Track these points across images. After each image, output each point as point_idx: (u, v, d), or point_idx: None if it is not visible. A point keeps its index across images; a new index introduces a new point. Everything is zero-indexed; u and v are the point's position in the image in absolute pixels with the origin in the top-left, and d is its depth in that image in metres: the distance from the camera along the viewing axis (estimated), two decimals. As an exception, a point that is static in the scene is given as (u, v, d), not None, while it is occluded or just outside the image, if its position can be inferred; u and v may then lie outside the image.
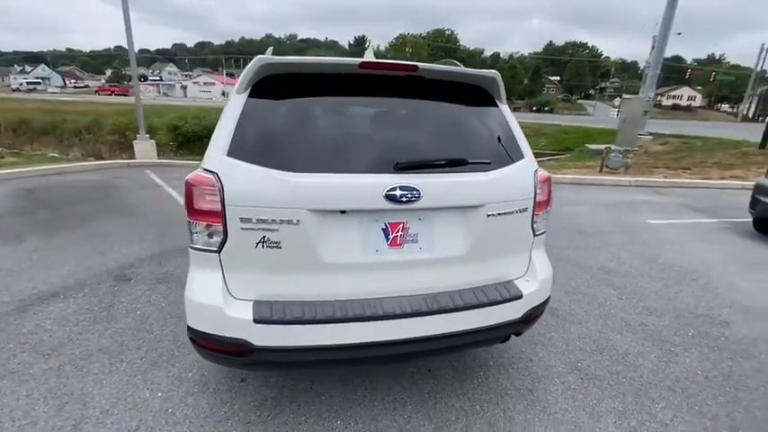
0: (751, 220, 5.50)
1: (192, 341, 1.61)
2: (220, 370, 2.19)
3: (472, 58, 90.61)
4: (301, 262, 1.52)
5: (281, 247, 1.49)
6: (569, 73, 75.06)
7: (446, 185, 1.58)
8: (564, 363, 2.39)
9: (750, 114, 48.66)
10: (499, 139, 1.78)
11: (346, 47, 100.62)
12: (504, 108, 1.88)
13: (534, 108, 60.07)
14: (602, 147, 12.96)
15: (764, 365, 2.44)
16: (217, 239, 1.50)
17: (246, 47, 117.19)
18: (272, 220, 1.46)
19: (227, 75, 71.66)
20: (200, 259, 1.56)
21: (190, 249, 1.58)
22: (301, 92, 1.64)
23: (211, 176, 1.48)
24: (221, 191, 1.46)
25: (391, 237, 1.57)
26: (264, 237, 1.47)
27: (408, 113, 1.75)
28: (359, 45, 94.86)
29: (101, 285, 3.17)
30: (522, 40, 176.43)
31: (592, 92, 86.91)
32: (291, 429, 1.82)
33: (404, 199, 1.49)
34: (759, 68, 43.83)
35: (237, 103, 1.58)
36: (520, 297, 1.73)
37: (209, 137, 1.60)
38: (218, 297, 1.50)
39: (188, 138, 14.69)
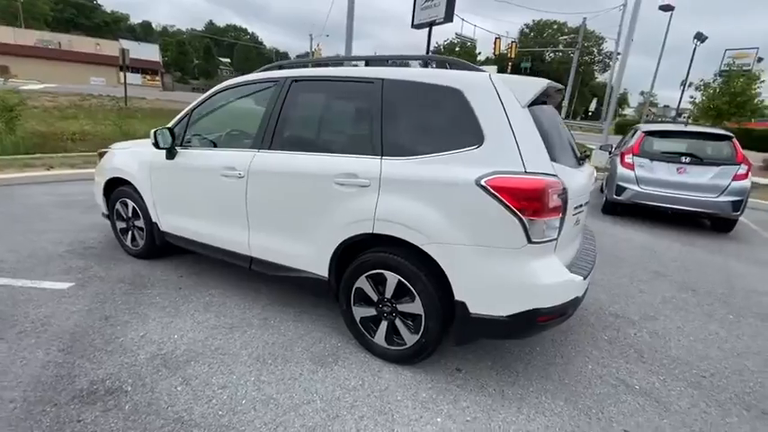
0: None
1: (538, 322, 1.87)
2: (425, 381, 2.22)
3: (116, 24, 74.63)
4: (574, 230, 2.13)
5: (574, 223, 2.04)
6: (239, 57, 76.91)
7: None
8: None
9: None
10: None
11: None
12: None
13: (214, 90, 58.37)
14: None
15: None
16: (557, 228, 1.85)
17: None
18: (580, 204, 1.99)
19: None
20: (541, 250, 1.84)
21: (528, 245, 1.81)
22: (531, 104, 2.08)
23: (556, 179, 1.80)
24: (565, 189, 1.83)
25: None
26: (577, 219, 1.98)
27: (553, 119, 2.47)
28: None
29: (73, 421, 1.78)
30: (173, 13, 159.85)
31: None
32: (556, 371, 2.35)
33: (594, 182, 2.39)
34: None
35: (527, 116, 1.89)
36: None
37: None
38: (568, 272, 1.89)
39: None
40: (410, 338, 2.17)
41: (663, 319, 3.06)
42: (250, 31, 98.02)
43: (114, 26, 72.57)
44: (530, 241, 1.81)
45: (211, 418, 1.84)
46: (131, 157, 3.31)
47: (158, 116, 14.45)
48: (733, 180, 5.21)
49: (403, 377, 2.19)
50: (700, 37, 24.75)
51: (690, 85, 22.85)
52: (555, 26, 60.75)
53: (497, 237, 1.85)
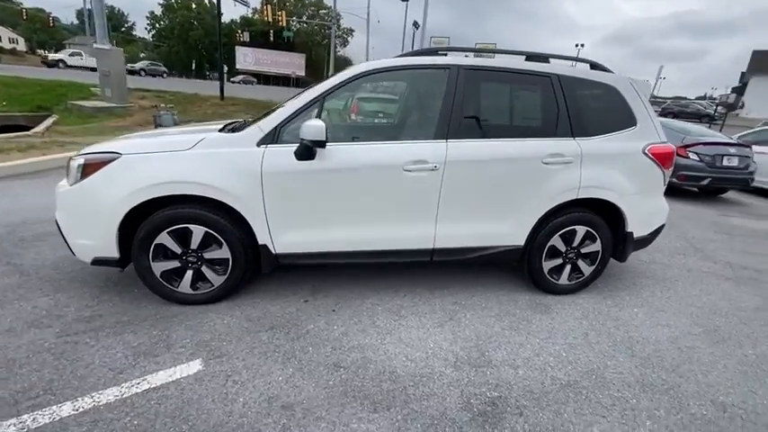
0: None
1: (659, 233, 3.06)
2: (607, 298, 3.12)
3: None
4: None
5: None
6: None
7: None
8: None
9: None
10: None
11: None
12: None
13: None
14: (100, 104, 11.88)
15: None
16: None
17: None
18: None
19: None
20: (663, 189, 2.99)
21: (663, 187, 2.93)
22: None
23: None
24: (667, 150, 3.01)
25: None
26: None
27: None
28: None
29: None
30: None
31: None
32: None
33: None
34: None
35: (650, 104, 2.93)
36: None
37: None
38: (664, 199, 3.14)
39: None
40: (588, 270, 2.98)
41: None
42: None
43: None
44: (664, 184, 2.94)
45: (577, 374, 2.15)
46: (214, 164, 2.31)
47: None
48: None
49: (593, 302, 2.94)
50: (416, 24, 32.11)
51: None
52: (295, -3, 62.55)
53: (651, 184, 2.88)
